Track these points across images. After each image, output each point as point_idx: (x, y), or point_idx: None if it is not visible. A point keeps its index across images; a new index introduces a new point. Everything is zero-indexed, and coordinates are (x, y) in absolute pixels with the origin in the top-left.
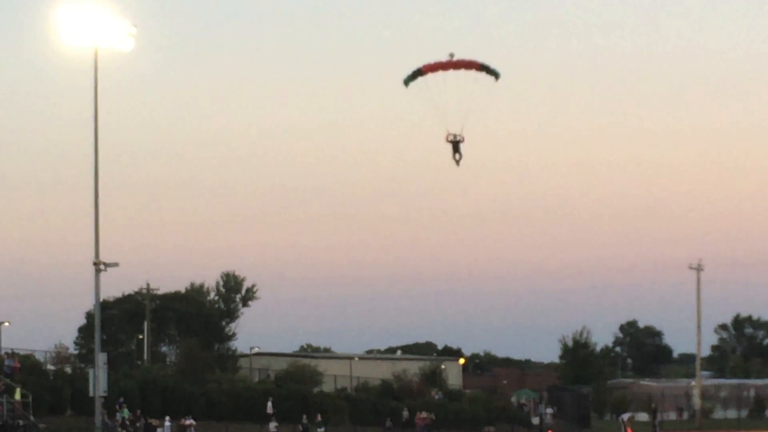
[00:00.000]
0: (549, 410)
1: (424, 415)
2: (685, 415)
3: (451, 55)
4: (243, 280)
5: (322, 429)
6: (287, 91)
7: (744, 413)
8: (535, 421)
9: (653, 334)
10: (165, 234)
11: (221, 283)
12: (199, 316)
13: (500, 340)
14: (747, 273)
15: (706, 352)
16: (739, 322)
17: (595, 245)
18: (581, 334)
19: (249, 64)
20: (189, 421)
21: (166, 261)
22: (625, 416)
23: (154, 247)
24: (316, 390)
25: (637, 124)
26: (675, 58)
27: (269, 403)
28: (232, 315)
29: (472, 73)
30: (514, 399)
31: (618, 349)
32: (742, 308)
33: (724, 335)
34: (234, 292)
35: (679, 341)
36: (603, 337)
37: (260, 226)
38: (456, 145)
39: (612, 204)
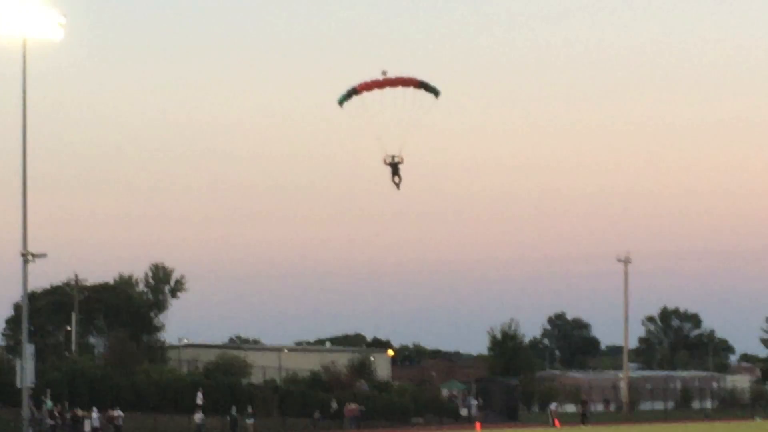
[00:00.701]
0: (474, 402)
1: (352, 406)
2: (612, 407)
3: (384, 73)
4: (172, 271)
5: (252, 420)
6: (218, 84)
7: (670, 405)
8: (464, 412)
9: (581, 326)
10: (93, 226)
11: (150, 274)
12: (127, 308)
13: (429, 332)
14: (674, 265)
15: (633, 344)
16: (666, 315)
17: (524, 238)
18: (510, 326)
19: (180, 57)
20: (117, 413)
21: (95, 252)
22: (553, 406)
23: (82, 239)
24: (245, 381)
25: (563, 119)
26: (591, 52)
27: (199, 394)
28: (160, 306)
29: (411, 91)
30: (445, 392)
31: (546, 341)
32: (669, 301)
33: (652, 327)
34: (163, 284)
35: (607, 333)
36: (531, 329)
37: (189, 218)
38: (395, 167)
39: (541, 197)
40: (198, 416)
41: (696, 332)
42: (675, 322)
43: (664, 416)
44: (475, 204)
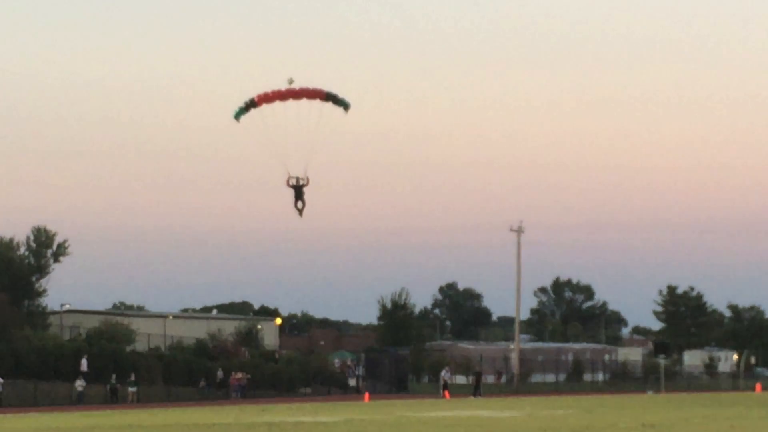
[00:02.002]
0: (358, 372)
1: (239, 375)
2: (504, 379)
3: (290, 81)
4: (54, 235)
5: (134, 389)
6: (99, 47)
7: (562, 377)
8: (352, 382)
9: (473, 296)
10: None
11: (32, 237)
12: (7, 271)
13: (318, 301)
14: (567, 236)
15: (525, 315)
16: (558, 286)
17: (415, 206)
18: (400, 295)
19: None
20: None
21: None
22: (444, 373)
23: None
24: (128, 349)
25: (456, 89)
26: (485, 24)
27: (83, 361)
28: (42, 271)
29: (317, 104)
30: (337, 361)
31: (437, 311)
32: (562, 272)
33: (544, 299)
34: (45, 248)
35: (499, 304)
36: (422, 299)
37: (72, 180)
38: (299, 190)
39: (434, 166)
40: (78, 383)
41: (588, 304)
42: (567, 294)
43: (555, 388)
44: (367, 173)
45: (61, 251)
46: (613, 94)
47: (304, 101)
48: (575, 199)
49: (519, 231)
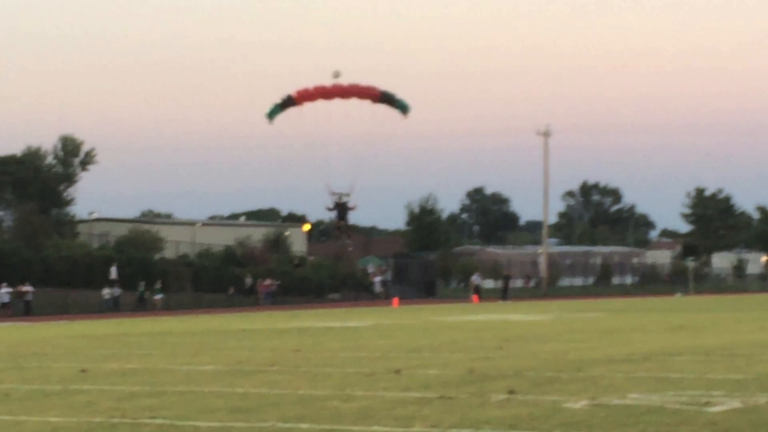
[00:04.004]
0: (378, 279)
1: (268, 281)
2: (532, 283)
3: (337, 74)
4: (81, 143)
5: (160, 296)
6: None
7: (590, 280)
8: (378, 288)
9: (500, 201)
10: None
11: (59, 146)
12: (36, 181)
13: None
14: (595, 139)
15: (553, 219)
16: (586, 189)
17: (442, 111)
18: (428, 200)
19: None
20: (26, 288)
21: (1, 123)
22: (475, 278)
23: None
24: (157, 256)
25: None
26: None
27: (113, 269)
28: (70, 180)
29: (368, 106)
30: (370, 267)
31: (465, 215)
32: (589, 175)
33: (571, 202)
34: (72, 157)
35: (526, 208)
36: (450, 203)
37: (100, 88)
38: (342, 212)
39: (460, 66)
40: (106, 291)
41: (616, 207)
42: (595, 197)
43: (583, 292)
44: (392, 77)
45: (88, 160)
46: None
47: (353, 101)
48: (602, 102)
49: (546, 134)
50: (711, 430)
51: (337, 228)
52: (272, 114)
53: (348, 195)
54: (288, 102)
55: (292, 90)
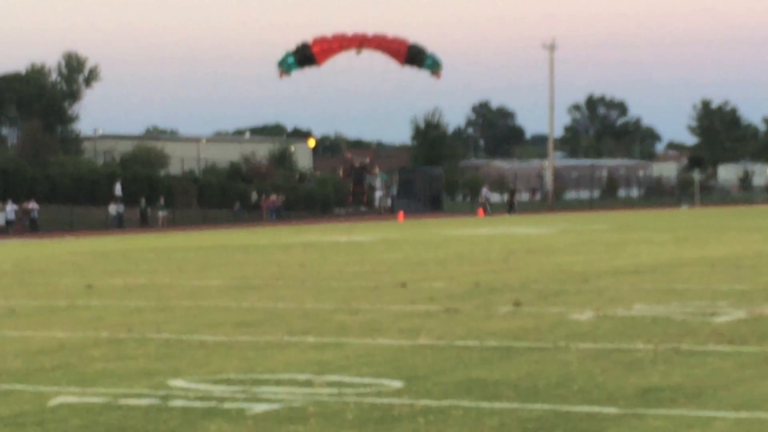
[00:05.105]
0: (378, 193)
1: (273, 197)
2: (538, 196)
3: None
4: (86, 60)
5: (164, 212)
6: None
7: (596, 193)
8: (382, 202)
9: (506, 114)
10: (2, 13)
11: (63, 63)
12: (40, 98)
13: (351, 122)
14: (601, 52)
15: (558, 132)
16: (592, 102)
17: (447, 23)
18: (433, 114)
19: None
20: (32, 205)
21: (5, 41)
22: (485, 191)
23: None
24: (162, 173)
25: None
26: None
27: (118, 185)
28: (74, 96)
29: (393, 63)
30: (378, 181)
31: (470, 130)
32: (595, 88)
33: (577, 115)
34: (76, 73)
35: (532, 122)
36: (455, 117)
37: (103, 3)
38: (360, 176)
39: None
40: (113, 207)
41: (622, 120)
42: (601, 110)
43: (589, 205)
44: None
45: (92, 77)
46: None
47: (377, 55)
48: (608, 15)
49: (552, 48)
50: (716, 341)
51: (351, 194)
52: (289, 69)
53: (367, 159)
54: (306, 59)
55: (307, 32)
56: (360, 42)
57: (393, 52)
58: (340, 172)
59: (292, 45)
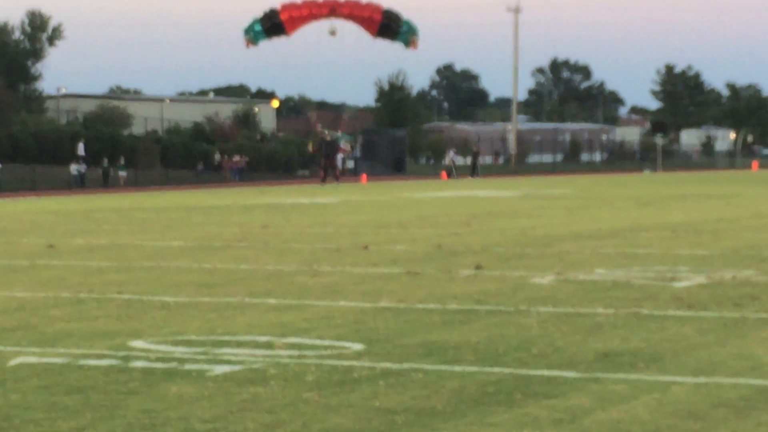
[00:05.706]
0: (340, 156)
1: (236, 158)
2: (501, 159)
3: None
4: (49, 18)
5: (124, 173)
6: None
7: (559, 157)
8: (348, 164)
9: (470, 77)
10: None
11: (26, 21)
12: (2, 56)
13: (315, 84)
14: (565, 15)
15: (522, 96)
16: (556, 66)
17: None
18: (397, 77)
19: None
20: None
21: None
22: (452, 154)
23: None
24: (125, 133)
25: None
26: None
27: (80, 145)
28: (37, 55)
29: (357, 32)
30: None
31: (434, 92)
32: (559, 52)
33: (541, 79)
34: (40, 31)
35: (496, 85)
36: (419, 80)
37: None
38: (331, 151)
39: None
40: (74, 167)
41: (586, 84)
42: (565, 74)
43: (552, 168)
44: None
45: (56, 35)
46: None
47: (350, 25)
48: None
49: (516, 11)
50: (676, 305)
51: (323, 169)
52: (256, 38)
53: (337, 133)
54: (274, 27)
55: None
56: (331, 8)
57: (366, 19)
58: (310, 147)
59: (258, 7)
